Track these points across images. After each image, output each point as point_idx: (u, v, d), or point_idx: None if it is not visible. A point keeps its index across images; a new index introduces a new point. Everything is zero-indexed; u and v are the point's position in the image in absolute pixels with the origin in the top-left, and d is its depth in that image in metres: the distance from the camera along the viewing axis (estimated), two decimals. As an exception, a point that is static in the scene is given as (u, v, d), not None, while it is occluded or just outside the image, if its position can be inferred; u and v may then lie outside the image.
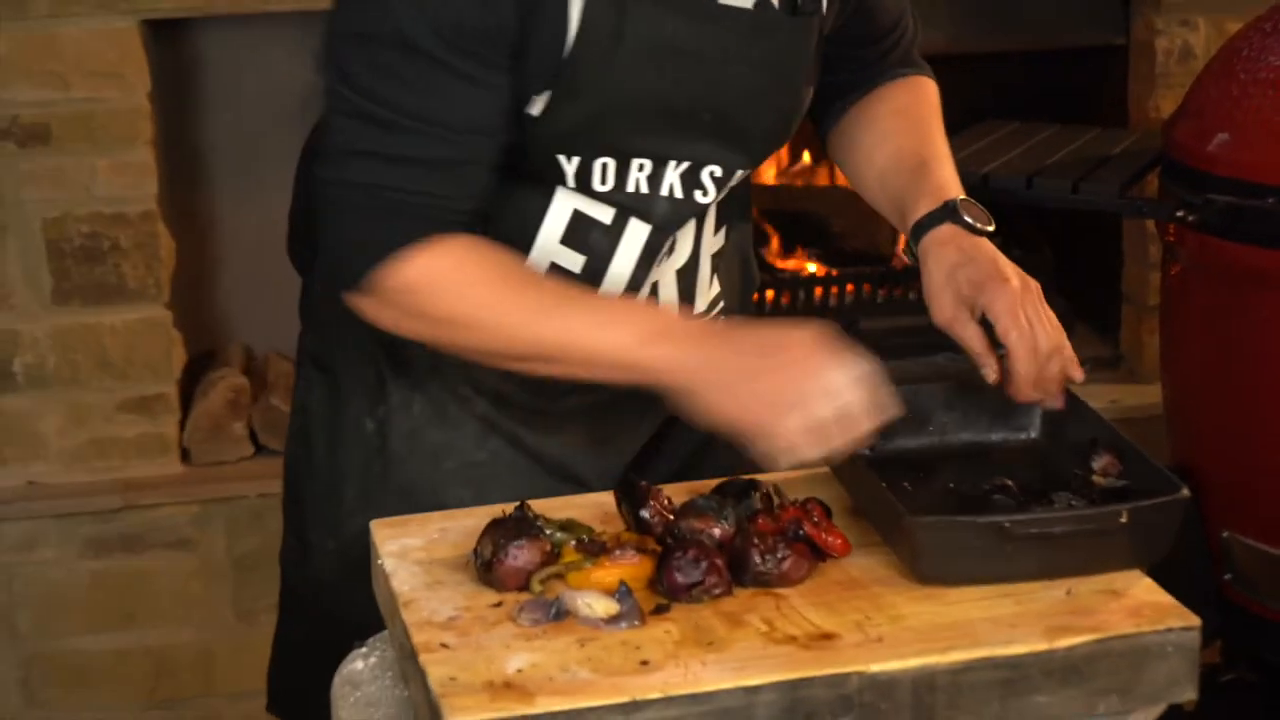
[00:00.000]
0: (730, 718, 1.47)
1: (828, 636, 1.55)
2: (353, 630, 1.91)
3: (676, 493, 1.74)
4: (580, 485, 1.86)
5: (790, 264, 3.69)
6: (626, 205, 1.78)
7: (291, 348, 2.04)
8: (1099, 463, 1.74)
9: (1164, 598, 1.61)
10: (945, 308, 1.78)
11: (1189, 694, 1.58)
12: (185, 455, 3.22)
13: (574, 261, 1.79)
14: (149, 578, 3.17)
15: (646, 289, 1.84)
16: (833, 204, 3.58)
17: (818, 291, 3.59)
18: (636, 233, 1.80)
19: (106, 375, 3.14)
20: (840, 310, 3.60)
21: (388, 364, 1.87)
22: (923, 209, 1.85)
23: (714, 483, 1.75)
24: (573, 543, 1.65)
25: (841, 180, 3.73)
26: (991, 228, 1.84)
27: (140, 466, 3.17)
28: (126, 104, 3.06)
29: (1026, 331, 1.74)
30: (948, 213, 1.83)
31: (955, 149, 3.06)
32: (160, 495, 3.15)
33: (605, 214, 1.78)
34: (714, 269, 1.91)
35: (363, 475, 1.91)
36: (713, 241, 1.90)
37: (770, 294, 3.58)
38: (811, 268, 3.65)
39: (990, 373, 1.76)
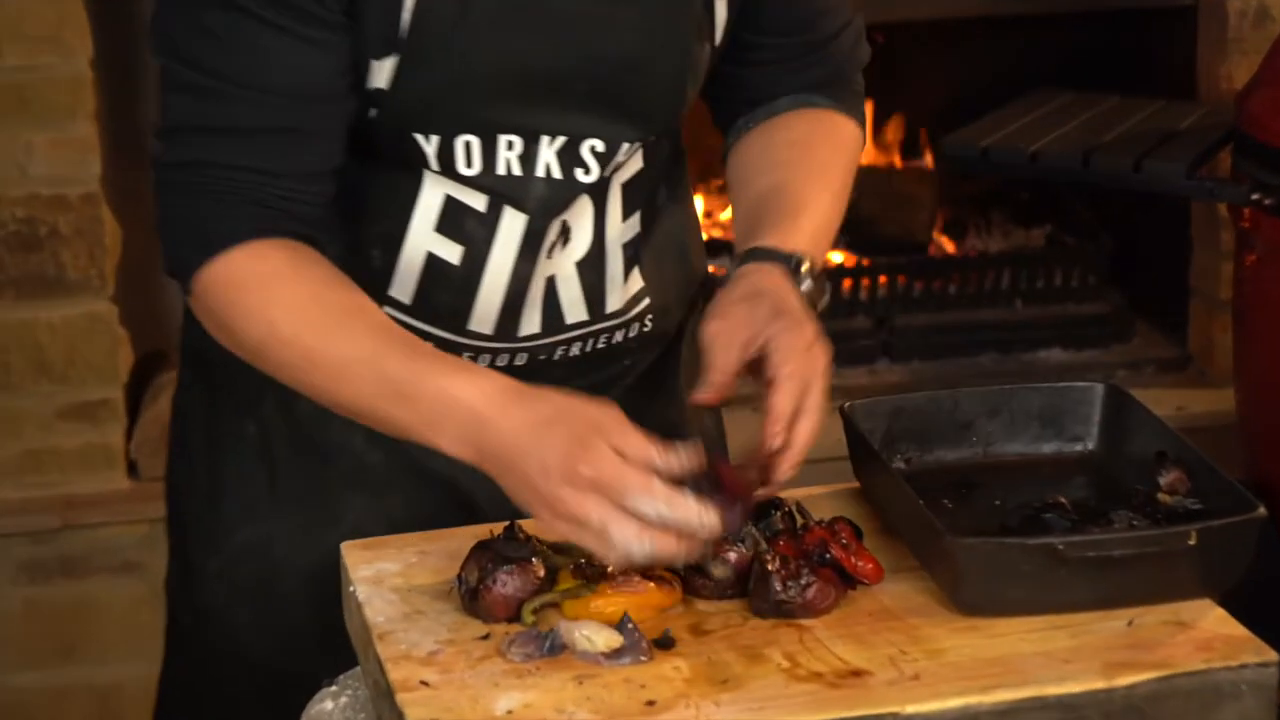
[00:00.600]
0: (747, 765, 1.47)
1: (857, 674, 1.55)
2: (240, 665, 1.92)
3: (687, 511, 1.74)
4: (471, 513, 1.84)
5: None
6: (499, 191, 1.79)
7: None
8: (1166, 478, 1.73)
9: (1237, 630, 1.61)
10: (722, 317, 1.72)
11: (1266, 738, 1.57)
12: (133, 469, 3.22)
13: (452, 252, 1.82)
14: (92, 606, 3.17)
15: (539, 283, 1.84)
16: (861, 185, 3.57)
17: (846, 284, 3.60)
18: (513, 222, 1.81)
19: (44, 379, 3.15)
20: (872, 305, 3.61)
21: None
22: (770, 242, 1.80)
23: (729, 500, 1.75)
24: (570, 567, 1.65)
25: (870, 158, 3.73)
26: (819, 306, 1.79)
27: (82, 481, 3.18)
28: (66, 72, 3.06)
29: (800, 380, 1.67)
30: (791, 264, 1.78)
31: (1003, 122, 3.08)
32: (105, 513, 3.16)
33: (478, 201, 1.80)
34: (630, 261, 1.90)
35: (245, 484, 1.92)
36: (622, 229, 1.88)
37: (792, 287, 3.58)
38: (838, 257, 3.65)
39: (708, 391, 1.69)
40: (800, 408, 1.67)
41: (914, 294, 3.63)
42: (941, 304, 3.64)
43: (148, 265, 3.37)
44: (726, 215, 3.62)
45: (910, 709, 1.50)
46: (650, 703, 1.51)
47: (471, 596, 1.63)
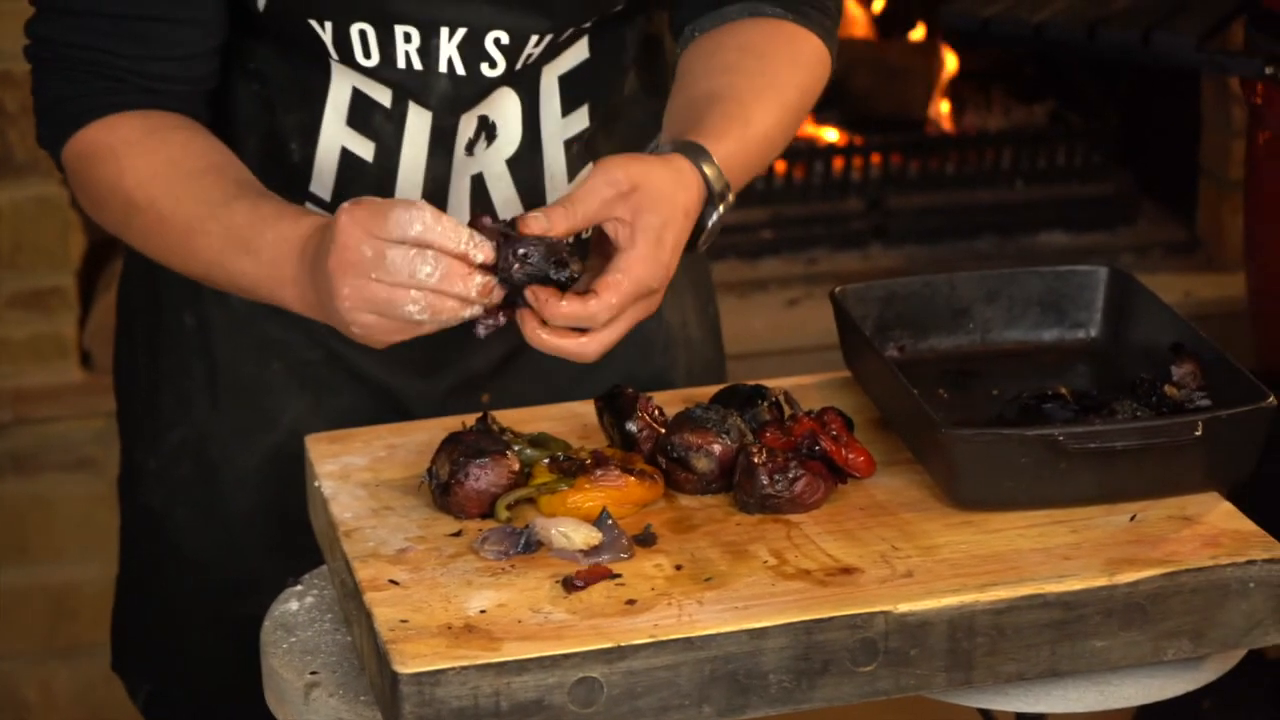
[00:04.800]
0: (732, 666, 1.47)
1: (848, 571, 1.55)
2: (185, 568, 1.93)
3: (670, 402, 1.74)
4: (405, 417, 1.85)
5: (803, 131, 3.68)
6: (401, 85, 1.78)
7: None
8: (1179, 371, 1.73)
9: (1246, 525, 1.61)
10: (612, 165, 1.63)
11: (1274, 637, 1.58)
12: (86, 360, 3.22)
13: (364, 147, 1.82)
14: (45, 504, 3.18)
15: (462, 182, 1.83)
16: (853, 58, 3.57)
17: (837, 164, 3.59)
18: (418, 118, 1.80)
19: (-9, 264, 3.14)
20: (865, 185, 3.60)
21: None
22: (703, 140, 1.69)
23: (713, 390, 1.75)
24: (546, 461, 1.65)
25: (860, 32, 3.72)
26: (705, 241, 1.71)
27: (33, 373, 3.17)
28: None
29: (640, 258, 1.60)
30: (713, 186, 1.68)
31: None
32: (57, 407, 3.16)
33: (383, 95, 1.80)
34: (579, 158, 1.85)
35: (182, 379, 1.93)
36: (564, 124, 1.85)
37: (781, 167, 3.58)
38: (830, 135, 3.64)
39: (534, 221, 1.59)
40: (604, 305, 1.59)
41: (909, 174, 3.62)
42: (938, 184, 3.63)
43: (100, 144, 3.35)
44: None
45: (903, 607, 1.50)
46: (630, 602, 1.51)
47: (443, 491, 1.63)
